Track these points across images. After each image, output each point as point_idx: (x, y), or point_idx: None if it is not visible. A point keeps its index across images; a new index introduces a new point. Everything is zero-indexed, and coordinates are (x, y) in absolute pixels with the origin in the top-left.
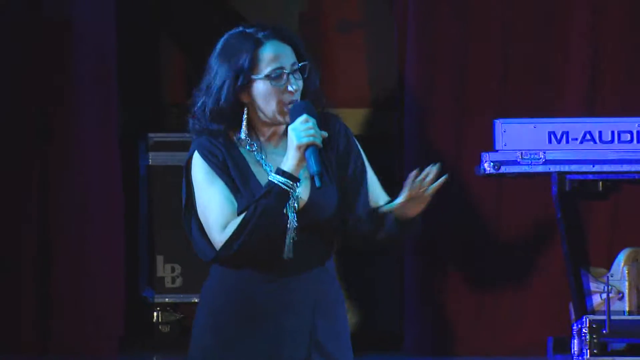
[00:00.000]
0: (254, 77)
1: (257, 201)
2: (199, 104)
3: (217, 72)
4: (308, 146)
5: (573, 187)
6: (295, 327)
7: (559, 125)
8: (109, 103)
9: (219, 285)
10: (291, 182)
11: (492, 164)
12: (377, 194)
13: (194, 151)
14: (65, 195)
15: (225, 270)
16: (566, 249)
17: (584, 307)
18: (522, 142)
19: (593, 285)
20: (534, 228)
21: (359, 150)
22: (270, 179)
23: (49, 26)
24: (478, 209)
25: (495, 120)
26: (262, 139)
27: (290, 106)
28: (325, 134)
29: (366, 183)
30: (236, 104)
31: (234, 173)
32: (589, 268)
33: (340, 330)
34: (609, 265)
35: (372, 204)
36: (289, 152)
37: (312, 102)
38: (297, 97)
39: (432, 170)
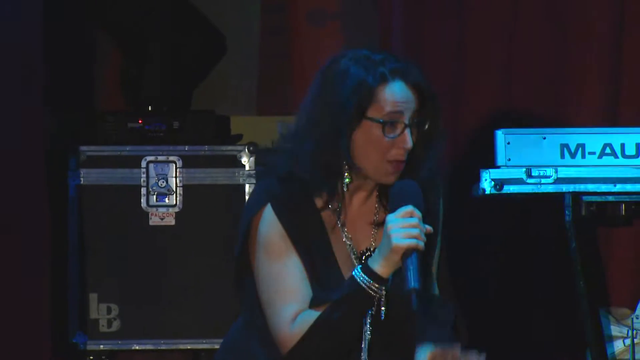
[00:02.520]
0: (370, 117)
1: (337, 303)
2: (297, 138)
3: (327, 98)
4: (409, 250)
5: (590, 210)
6: None
7: (573, 136)
8: (33, 111)
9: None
10: (378, 287)
11: (492, 182)
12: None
13: (265, 201)
14: None
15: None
16: (582, 286)
17: (604, 354)
18: (530, 157)
19: (615, 329)
20: (543, 260)
21: (438, 240)
22: (355, 276)
23: None
24: (473, 237)
25: (497, 131)
26: (347, 210)
27: (394, 171)
28: (430, 228)
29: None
30: (344, 145)
31: (314, 254)
32: (609, 308)
33: None
34: (633, 305)
35: None
36: (383, 250)
37: (426, 179)
38: (405, 157)
39: None
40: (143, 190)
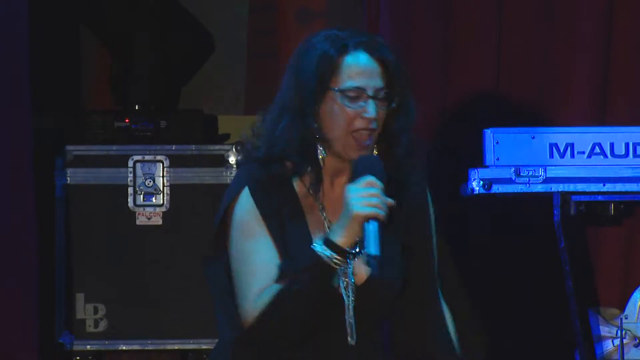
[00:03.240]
0: (332, 87)
1: (297, 276)
2: (267, 121)
3: (294, 82)
4: (368, 219)
5: (579, 210)
6: None
7: (562, 135)
8: (20, 109)
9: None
10: (338, 258)
11: (481, 182)
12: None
13: (243, 184)
14: None
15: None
16: (570, 286)
17: (592, 355)
18: (518, 156)
19: (604, 329)
20: (532, 260)
21: (432, 234)
22: (315, 248)
23: None
24: (462, 237)
25: (486, 130)
26: (322, 174)
27: (361, 139)
28: (391, 201)
29: (433, 266)
30: (310, 125)
31: (285, 226)
32: (598, 308)
33: None
34: (622, 305)
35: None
36: (343, 220)
37: (399, 155)
38: (375, 127)
39: None
40: (130, 190)
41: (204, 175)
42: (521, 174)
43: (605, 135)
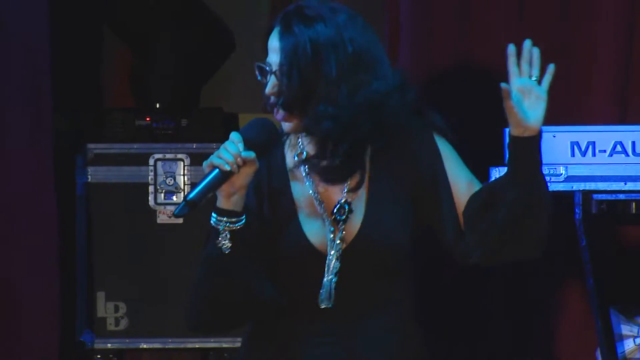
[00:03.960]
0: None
1: (205, 247)
2: None
3: None
4: (213, 167)
5: (600, 209)
6: None
7: (583, 134)
8: (41, 108)
9: (255, 334)
10: (225, 219)
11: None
12: (471, 188)
13: None
14: None
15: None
16: (592, 284)
17: (614, 353)
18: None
19: (625, 328)
20: (553, 258)
21: (444, 154)
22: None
23: None
24: None
25: (506, 129)
26: (309, 144)
27: (274, 114)
28: (251, 155)
29: (443, 185)
30: None
31: (267, 190)
32: (620, 307)
33: None
34: None
35: (464, 199)
36: None
37: (306, 123)
38: (271, 101)
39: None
40: (151, 188)
41: None
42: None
43: (627, 134)
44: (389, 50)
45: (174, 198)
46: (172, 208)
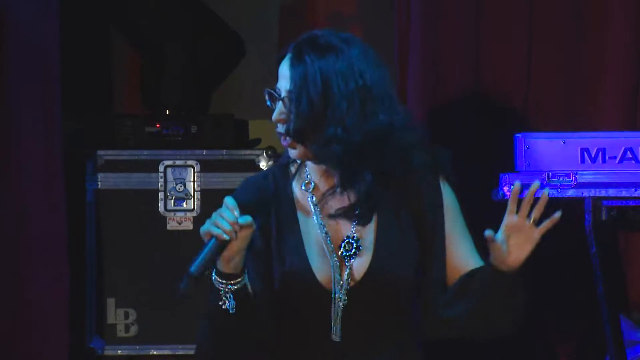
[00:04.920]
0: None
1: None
2: None
3: None
4: (211, 236)
5: (610, 215)
6: None
7: (593, 140)
8: (51, 114)
9: None
10: (225, 282)
11: (512, 187)
12: (466, 255)
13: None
14: None
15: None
16: (602, 290)
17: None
18: (549, 162)
19: (635, 335)
20: (563, 264)
21: (446, 205)
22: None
23: None
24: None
25: (517, 135)
26: (316, 175)
27: (285, 145)
28: (248, 220)
29: (442, 239)
30: None
31: (275, 225)
32: (630, 314)
33: None
34: None
35: (458, 268)
36: None
37: (314, 152)
38: (279, 130)
39: (538, 189)
40: (161, 195)
41: (235, 180)
42: (552, 179)
43: (637, 140)
44: (399, 56)
45: (184, 204)
46: (182, 215)
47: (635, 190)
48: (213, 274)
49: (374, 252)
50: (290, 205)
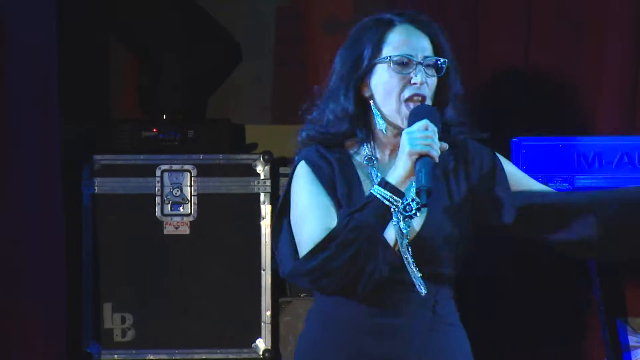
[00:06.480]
0: (376, 60)
1: (351, 214)
2: (319, 107)
3: (340, 63)
4: (421, 156)
5: None
6: None
7: (590, 145)
8: (49, 118)
9: (317, 314)
10: (394, 197)
11: None
12: (529, 185)
13: (299, 161)
14: None
15: (324, 298)
16: (599, 295)
17: None
18: (546, 166)
19: (632, 339)
20: (561, 269)
21: (500, 163)
22: (371, 190)
23: None
24: (488, 244)
25: (513, 139)
26: (382, 152)
27: (412, 105)
28: (445, 145)
29: (502, 181)
30: (358, 101)
31: (341, 190)
32: (627, 318)
33: None
34: None
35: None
36: (398, 161)
37: (450, 120)
38: (424, 93)
39: None
40: (157, 199)
41: (232, 185)
42: (548, 184)
43: (633, 145)
44: None
45: (181, 209)
46: (178, 219)
47: None
48: (381, 190)
49: (427, 215)
50: (353, 172)
